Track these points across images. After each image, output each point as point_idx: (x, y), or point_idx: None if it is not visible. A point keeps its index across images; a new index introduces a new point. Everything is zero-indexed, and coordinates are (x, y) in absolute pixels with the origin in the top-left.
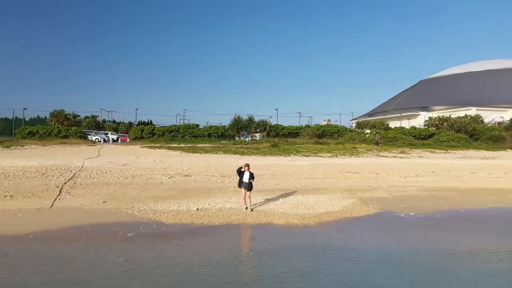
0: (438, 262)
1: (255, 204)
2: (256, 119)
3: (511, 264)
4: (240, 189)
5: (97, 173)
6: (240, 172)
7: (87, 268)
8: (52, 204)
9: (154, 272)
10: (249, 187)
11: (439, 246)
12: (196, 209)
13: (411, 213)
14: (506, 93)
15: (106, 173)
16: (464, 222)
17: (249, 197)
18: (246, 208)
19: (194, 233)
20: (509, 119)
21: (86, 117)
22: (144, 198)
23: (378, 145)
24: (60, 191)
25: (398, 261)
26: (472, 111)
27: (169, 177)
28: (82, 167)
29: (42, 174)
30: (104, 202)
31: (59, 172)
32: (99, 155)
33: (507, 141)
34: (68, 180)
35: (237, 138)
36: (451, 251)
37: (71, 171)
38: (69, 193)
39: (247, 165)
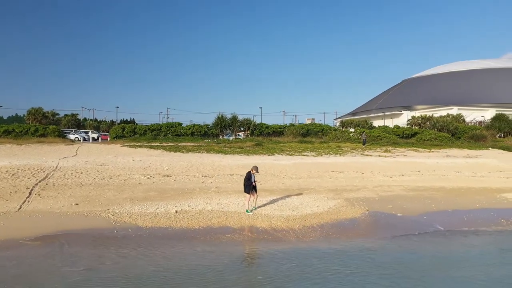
0: (427, 267)
1: (238, 205)
2: (240, 117)
3: (501, 268)
4: (246, 194)
5: (72, 173)
6: (249, 178)
7: (40, 282)
8: (20, 207)
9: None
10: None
11: (428, 251)
12: (175, 211)
13: (399, 214)
14: (486, 92)
15: (81, 173)
16: (452, 224)
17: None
18: (251, 210)
19: (170, 238)
20: (489, 118)
21: (65, 115)
22: (121, 200)
23: (364, 144)
24: (30, 193)
25: (387, 269)
26: (454, 111)
27: (148, 178)
28: (56, 167)
29: (13, 174)
30: (77, 204)
31: (31, 173)
32: (76, 154)
33: (488, 140)
34: (39, 181)
35: (220, 137)
36: (440, 257)
37: (44, 172)
38: (39, 195)
39: (256, 168)
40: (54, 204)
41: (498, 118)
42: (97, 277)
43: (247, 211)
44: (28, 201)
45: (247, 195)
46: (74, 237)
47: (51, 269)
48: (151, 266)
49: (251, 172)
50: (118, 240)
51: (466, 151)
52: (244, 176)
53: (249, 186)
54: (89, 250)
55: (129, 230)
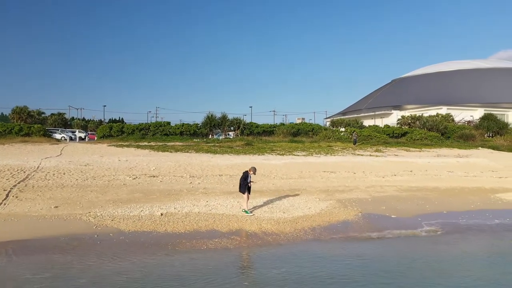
0: (424, 273)
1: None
2: (230, 117)
3: (499, 271)
4: (240, 193)
5: (53, 174)
6: (245, 178)
7: None
8: None
9: None
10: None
11: (425, 254)
12: (160, 214)
13: (393, 216)
14: (475, 92)
15: (64, 174)
16: (448, 226)
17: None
18: (251, 211)
19: (154, 243)
20: (478, 118)
21: (52, 114)
22: (103, 202)
23: (356, 144)
24: (7, 195)
25: (383, 274)
26: (443, 110)
27: (134, 178)
28: (38, 167)
29: None
30: (57, 207)
31: (11, 173)
32: (61, 154)
33: (477, 140)
34: (18, 182)
35: (210, 137)
36: (437, 261)
37: (24, 172)
38: (17, 197)
39: (254, 169)
40: (32, 207)
41: (486, 117)
42: (65, 286)
43: (244, 211)
44: (5, 204)
45: (244, 195)
46: (49, 243)
47: (15, 277)
48: (127, 274)
49: (248, 172)
50: (97, 246)
51: (457, 151)
52: (238, 176)
53: (245, 186)
54: (62, 257)
55: (111, 234)
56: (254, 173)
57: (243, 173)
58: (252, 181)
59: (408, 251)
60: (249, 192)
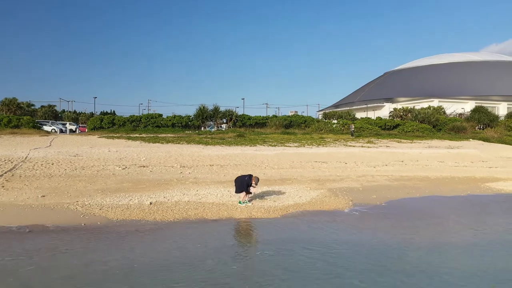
0: (415, 260)
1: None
2: (223, 109)
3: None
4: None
5: (42, 164)
6: (247, 184)
7: None
8: None
9: None
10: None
11: (415, 241)
12: (149, 203)
13: (383, 204)
14: (466, 85)
15: (52, 164)
16: (439, 213)
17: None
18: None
19: (141, 231)
20: (469, 110)
21: (42, 106)
22: (92, 191)
23: (353, 135)
24: None
25: (373, 261)
26: (435, 103)
27: (123, 168)
28: (26, 158)
29: None
30: (44, 196)
31: None
32: (50, 145)
33: (468, 132)
34: (5, 172)
35: (202, 129)
36: (428, 248)
37: (12, 162)
38: (3, 186)
39: (257, 179)
40: (18, 196)
41: (477, 110)
42: (50, 272)
43: (240, 202)
44: None
45: (242, 194)
46: (36, 231)
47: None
48: (114, 261)
49: (252, 179)
50: (84, 234)
51: (448, 142)
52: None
53: (247, 187)
54: (48, 244)
55: (98, 223)
56: (256, 184)
57: (248, 176)
58: (253, 187)
59: (399, 238)
60: (247, 192)
